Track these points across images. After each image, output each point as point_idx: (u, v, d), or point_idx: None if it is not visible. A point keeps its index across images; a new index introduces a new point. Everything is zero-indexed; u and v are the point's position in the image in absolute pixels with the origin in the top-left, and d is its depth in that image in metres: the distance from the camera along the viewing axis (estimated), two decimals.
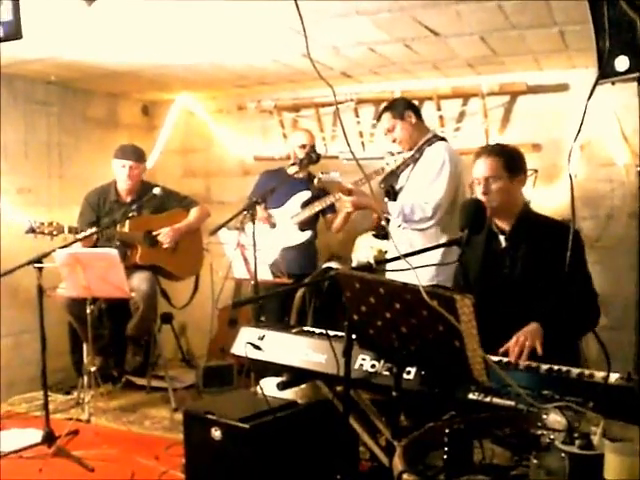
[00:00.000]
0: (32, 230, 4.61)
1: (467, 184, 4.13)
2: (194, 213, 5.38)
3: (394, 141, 4.27)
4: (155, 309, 5.17)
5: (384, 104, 4.56)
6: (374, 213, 4.64)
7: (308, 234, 5.19)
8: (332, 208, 5.14)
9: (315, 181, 4.40)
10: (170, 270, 5.26)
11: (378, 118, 4.39)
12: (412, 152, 4.22)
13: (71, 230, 4.75)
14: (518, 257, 3.16)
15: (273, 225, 5.19)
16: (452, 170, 4.03)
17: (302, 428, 3.13)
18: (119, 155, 5.16)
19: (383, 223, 4.33)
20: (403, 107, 4.25)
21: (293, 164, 5.12)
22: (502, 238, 3.23)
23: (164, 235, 5.14)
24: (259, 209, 4.83)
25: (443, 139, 4.28)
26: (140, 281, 4.95)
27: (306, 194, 5.19)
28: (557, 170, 4.98)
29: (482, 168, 3.20)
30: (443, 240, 4.00)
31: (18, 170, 5.43)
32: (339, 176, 4.45)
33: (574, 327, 3.01)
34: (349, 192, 4.18)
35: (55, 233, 4.68)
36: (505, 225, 3.22)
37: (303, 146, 5.25)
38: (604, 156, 4.97)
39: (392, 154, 4.37)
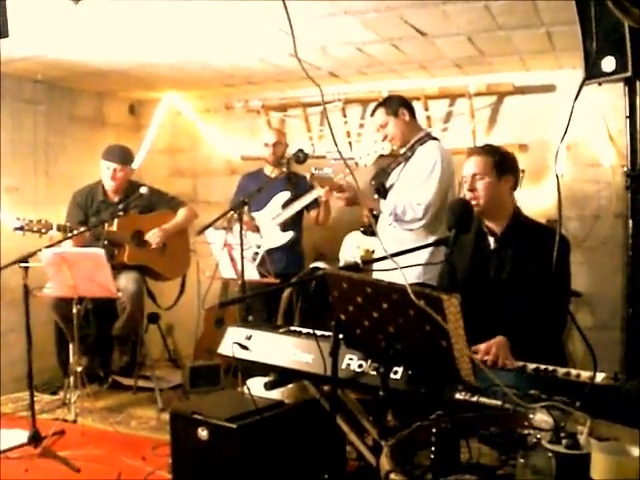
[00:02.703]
0: (21, 228, 4.58)
1: (457, 183, 4.14)
2: (182, 214, 5.37)
3: (385, 137, 4.25)
4: (142, 309, 5.14)
5: (377, 101, 4.55)
6: (364, 211, 4.64)
7: (290, 234, 5.18)
8: (315, 203, 5.14)
9: (308, 176, 4.41)
10: (158, 270, 5.24)
11: (372, 113, 4.38)
12: (402, 150, 4.23)
13: (60, 228, 4.72)
14: (506, 260, 3.17)
15: (256, 229, 5.17)
16: (444, 170, 4.02)
17: (289, 428, 3.12)
18: (105, 156, 5.15)
19: (371, 220, 4.33)
20: (397, 104, 4.23)
21: (278, 164, 5.13)
22: (491, 240, 3.24)
23: (152, 235, 5.13)
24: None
25: (435, 138, 4.26)
26: (127, 281, 4.93)
27: (286, 194, 5.19)
28: (544, 170, 4.99)
29: (470, 166, 3.21)
30: (433, 239, 4.00)
31: (5, 169, 5.39)
32: (332, 172, 4.45)
33: (542, 329, 2.99)
34: (340, 188, 4.20)
35: (44, 231, 4.64)
36: (496, 227, 3.23)
37: (266, 144, 5.28)
38: (591, 157, 4.99)
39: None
